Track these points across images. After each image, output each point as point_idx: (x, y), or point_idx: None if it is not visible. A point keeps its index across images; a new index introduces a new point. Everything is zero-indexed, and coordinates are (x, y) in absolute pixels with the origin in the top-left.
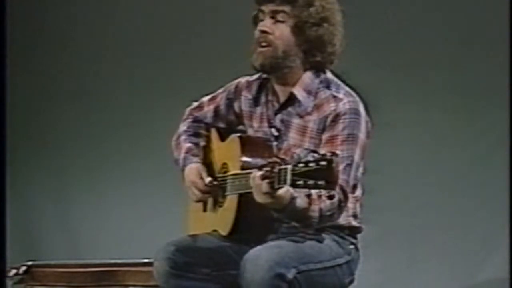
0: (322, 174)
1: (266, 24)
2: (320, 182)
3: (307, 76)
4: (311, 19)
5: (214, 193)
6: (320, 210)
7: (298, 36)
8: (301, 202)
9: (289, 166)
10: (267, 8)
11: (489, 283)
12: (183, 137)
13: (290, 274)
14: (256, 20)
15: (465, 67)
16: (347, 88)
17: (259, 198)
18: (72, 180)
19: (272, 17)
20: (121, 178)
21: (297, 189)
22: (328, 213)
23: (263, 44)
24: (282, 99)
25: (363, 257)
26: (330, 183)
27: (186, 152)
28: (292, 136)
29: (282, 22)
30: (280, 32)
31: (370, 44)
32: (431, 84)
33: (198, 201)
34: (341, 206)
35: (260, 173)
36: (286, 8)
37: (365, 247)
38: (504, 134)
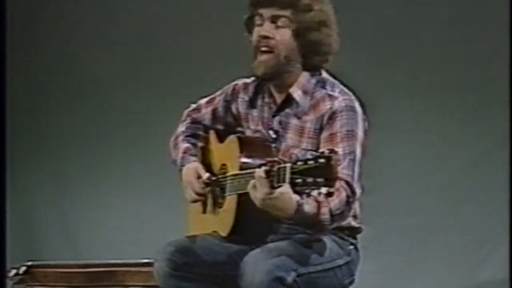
0: (321, 171)
1: (266, 28)
2: (319, 180)
3: (304, 77)
4: (312, 24)
5: (210, 194)
6: (330, 211)
7: (299, 40)
8: (309, 207)
9: (288, 165)
10: (266, 12)
11: (489, 283)
12: (181, 138)
13: (290, 278)
14: (249, 25)
15: (465, 67)
16: (342, 87)
17: (258, 201)
18: (72, 180)
19: (273, 22)
20: (121, 178)
21: (298, 188)
22: (338, 212)
23: (265, 49)
24: (279, 100)
25: (363, 258)
26: (329, 180)
27: (184, 152)
28: (290, 137)
29: (283, 27)
30: (282, 37)
31: (369, 44)
32: (431, 84)
33: (193, 201)
34: (349, 202)
35: (263, 169)
36: (287, 13)
37: (365, 247)
38: (504, 134)
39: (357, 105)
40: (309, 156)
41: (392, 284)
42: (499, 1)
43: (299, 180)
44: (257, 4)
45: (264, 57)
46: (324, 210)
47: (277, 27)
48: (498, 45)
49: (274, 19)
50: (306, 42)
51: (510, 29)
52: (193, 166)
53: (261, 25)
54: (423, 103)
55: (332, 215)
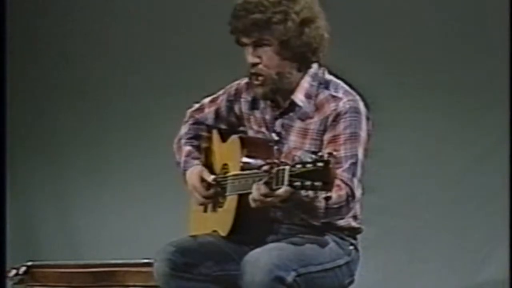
0: (319, 175)
1: (251, 57)
2: (317, 183)
3: (306, 81)
4: (292, 32)
5: (216, 196)
6: (326, 200)
7: (285, 51)
8: (305, 192)
9: (287, 167)
10: (247, 40)
11: (489, 283)
12: (183, 140)
13: (290, 277)
14: (239, 41)
15: (465, 67)
16: (346, 87)
17: (255, 202)
18: (72, 180)
19: (256, 46)
20: (121, 178)
21: (296, 191)
22: (336, 206)
23: (256, 79)
24: (282, 105)
25: (363, 258)
26: (327, 184)
27: (187, 156)
28: (293, 139)
29: (266, 46)
30: (267, 56)
31: (370, 44)
32: (431, 84)
33: (201, 204)
34: (349, 201)
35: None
36: (266, 36)
37: (365, 247)
38: (504, 134)
39: (361, 105)
40: (308, 159)
41: (392, 284)
42: (499, 1)
43: (297, 183)
44: (236, 33)
45: (258, 82)
46: (320, 198)
47: (262, 46)
48: (498, 45)
49: (256, 44)
50: (294, 50)
51: (510, 29)
52: (196, 170)
53: (247, 45)
54: (423, 103)
55: (327, 206)
